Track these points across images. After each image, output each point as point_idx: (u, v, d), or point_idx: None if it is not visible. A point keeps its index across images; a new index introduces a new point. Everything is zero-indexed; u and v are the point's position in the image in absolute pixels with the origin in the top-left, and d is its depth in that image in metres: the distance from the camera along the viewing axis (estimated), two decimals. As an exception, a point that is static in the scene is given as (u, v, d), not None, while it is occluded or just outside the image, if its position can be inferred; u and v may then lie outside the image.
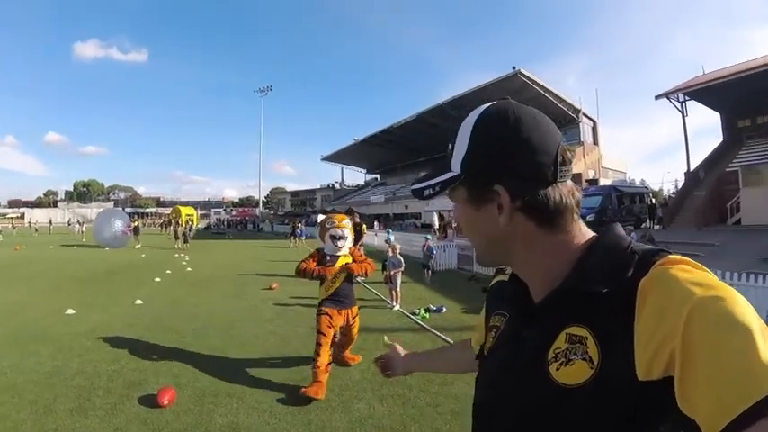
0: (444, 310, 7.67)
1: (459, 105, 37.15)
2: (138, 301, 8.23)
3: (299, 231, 24.38)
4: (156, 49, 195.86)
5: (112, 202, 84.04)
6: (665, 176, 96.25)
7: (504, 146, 0.67)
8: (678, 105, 24.14)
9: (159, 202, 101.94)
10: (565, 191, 0.67)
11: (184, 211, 58.21)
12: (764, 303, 6.46)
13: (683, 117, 24.34)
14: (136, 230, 23.59)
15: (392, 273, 7.98)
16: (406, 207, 42.55)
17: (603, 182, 31.03)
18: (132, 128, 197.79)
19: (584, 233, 0.70)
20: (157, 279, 11.20)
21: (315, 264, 4.47)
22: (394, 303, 7.98)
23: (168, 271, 12.80)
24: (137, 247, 22.15)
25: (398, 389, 4.18)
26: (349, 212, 33.58)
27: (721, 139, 25.12)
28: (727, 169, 20.02)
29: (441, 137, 46.02)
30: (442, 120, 41.17)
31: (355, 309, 4.63)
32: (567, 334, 0.63)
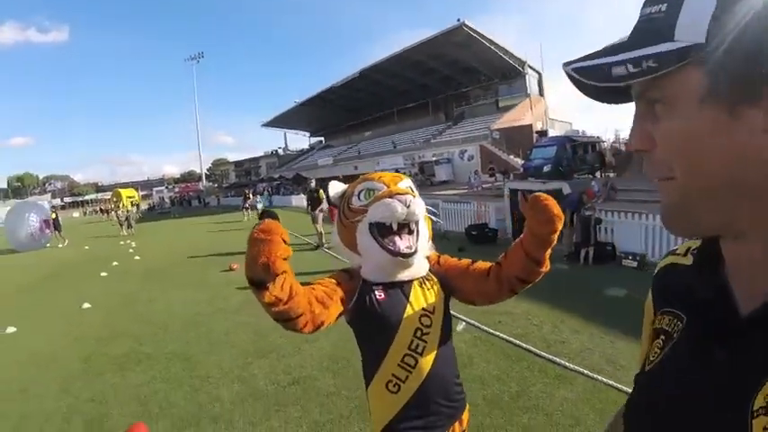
0: None
1: (401, 60, 36.13)
2: (86, 305, 7.10)
3: (252, 202, 22.58)
4: (77, 25, 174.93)
5: (49, 194, 77.27)
6: (607, 126, 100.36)
7: None
8: None
9: (98, 188, 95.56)
10: None
11: (125, 193, 54.57)
12: None
13: None
14: (56, 225, 18.03)
15: None
16: (356, 168, 41.48)
17: (552, 133, 31.50)
18: (60, 113, 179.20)
19: None
20: (104, 274, 10.01)
21: (338, 312, 1.40)
22: None
23: (115, 263, 11.47)
24: (60, 246, 17.35)
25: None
26: (298, 179, 32.50)
27: None
28: None
29: (384, 94, 45.16)
30: (384, 76, 39.99)
31: (466, 417, 1.57)
32: None
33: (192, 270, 9.50)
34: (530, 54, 35.45)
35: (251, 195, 22.88)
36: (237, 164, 76.96)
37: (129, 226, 20.25)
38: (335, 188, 1.67)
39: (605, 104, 0.52)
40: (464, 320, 4.71)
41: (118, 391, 3.88)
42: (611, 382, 3.34)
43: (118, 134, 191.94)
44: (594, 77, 0.47)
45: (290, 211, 25.14)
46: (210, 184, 76.15)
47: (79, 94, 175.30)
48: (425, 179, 29.36)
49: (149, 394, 3.75)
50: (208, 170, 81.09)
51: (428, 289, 1.48)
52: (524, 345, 4.11)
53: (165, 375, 4.10)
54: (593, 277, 6.59)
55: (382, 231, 1.41)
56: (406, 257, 1.39)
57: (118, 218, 21.37)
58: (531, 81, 36.92)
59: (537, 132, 30.88)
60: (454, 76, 39.60)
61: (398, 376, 1.38)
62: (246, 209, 21.56)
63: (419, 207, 1.45)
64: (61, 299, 7.96)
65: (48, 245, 17.49)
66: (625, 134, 41.69)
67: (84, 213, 47.27)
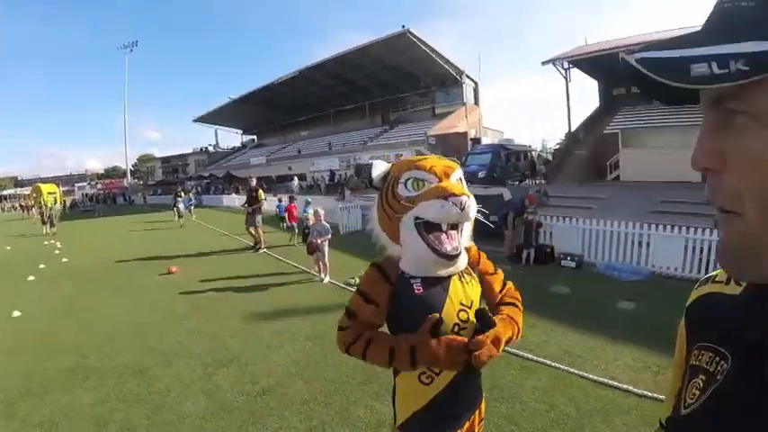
0: None
1: (343, 62, 36.03)
2: (16, 313, 6.26)
3: (186, 201, 21.05)
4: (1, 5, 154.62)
5: None
6: (535, 136, 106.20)
7: None
8: (563, 72, 26.47)
9: (17, 182, 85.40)
10: None
11: (45, 188, 49.15)
12: (671, 251, 7.05)
13: (567, 82, 26.89)
14: None
15: (319, 241, 7.09)
16: (290, 168, 40.69)
17: (485, 140, 32.85)
18: None
19: None
20: (31, 278, 8.90)
21: (373, 313, 1.45)
22: (322, 276, 7.26)
23: (42, 265, 10.26)
24: None
25: None
26: (229, 178, 31.17)
27: (598, 105, 28.07)
28: (606, 131, 22.85)
29: (322, 95, 44.75)
30: (324, 77, 39.64)
31: (483, 407, 1.61)
32: None
33: (128, 273, 8.72)
34: (467, 63, 36.79)
35: (182, 194, 21.49)
36: (164, 160, 72.34)
37: (52, 225, 18.27)
38: (378, 168, 1.52)
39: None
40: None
41: (70, 412, 3.38)
42: (572, 370, 3.65)
43: (40, 125, 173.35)
44: (669, 74, 0.37)
45: (222, 212, 24.39)
46: (135, 180, 70.98)
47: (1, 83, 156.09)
48: (361, 181, 29.40)
49: (106, 415, 3.31)
50: (133, 166, 75.41)
51: (467, 283, 1.45)
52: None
53: (120, 392, 3.67)
54: (538, 276, 6.91)
55: (428, 227, 1.35)
56: (451, 259, 1.36)
57: (41, 215, 19.32)
58: (468, 90, 38.23)
59: (472, 140, 32.04)
60: (393, 81, 40.07)
61: (433, 370, 1.37)
62: (177, 208, 20.24)
63: (473, 209, 1.40)
64: None
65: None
66: (551, 144, 44.63)
67: (2, 210, 42.03)
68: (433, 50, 33.32)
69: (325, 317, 5.25)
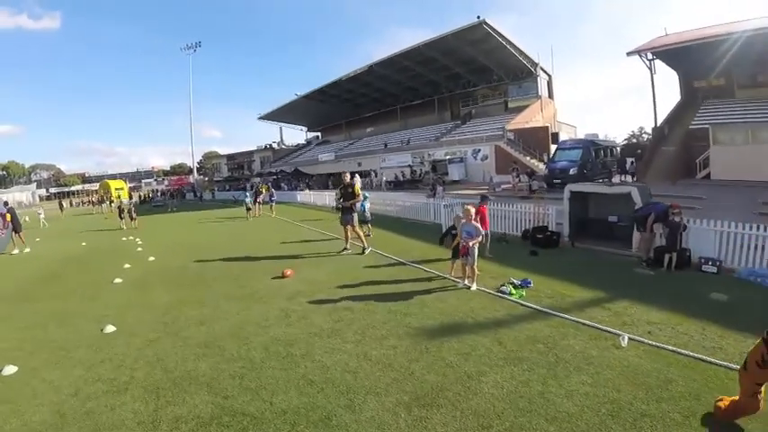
0: (531, 283, 6.26)
1: (413, 56, 35.13)
2: (110, 328, 5.28)
3: (267, 196, 20.56)
4: (69, 11, 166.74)
5: (35, 184, 74.02)
6: (598, 130, 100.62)
7: None
8: (647, 63, 24.88)
9: (85, 179, 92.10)
10: None
11: (113, 184, 52.39)
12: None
13: (652, 75, 25.18)
14: (15, 225, 13.46)
15: (470, 244, 6.23)
16: (359, 164, 40.35)
17: (562, 136, 30.96)
18: (49, 101, 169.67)
19: None
20: (118, 280, 8.02)
21: None
22: (467, 282, 6.39)
23: (127, 265, 9.46)
24: (14, 252, 13.00)
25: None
26: (297, 174, 31.24)
27: (679, 98, 26.42)
28: (692, 126, 21.59)
29: (390, 90, 44.07)
30: (393, 71, 38.92)
31: None
32: None
33: (233, 277, 7.79)
34: (540, 55, 34.89)
35: (263, 189, 21.14)
36: (229, 157, 74.80)
37: (132, 218, 18.32)
38: None
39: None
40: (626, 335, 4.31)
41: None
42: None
43: (105, 124, 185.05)
44: None
45: (298, 207, 23.91)
46: (201, 176, 74.05)
47: (68, 82, 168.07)
48: (438, 177, 28.33)
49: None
50: (198, 163, 78.83)
51: None
52: (714, 360, 3.75)
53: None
54: (689, 282, 6.38)
55: None
56: None
57: (119, 210, 19.43)
58: (542, 83, 36.33)
59: (553, 134, 30.30)
60: (464, 74, 38.73)
61: None
62: (258, 203, 19.93)
63: None
64: (71, 317, 5.97)
65: (5, 249, 13.24)
66: (619, 139, 41.92)
67: (69, 205, 44.28)
68: (509, 42, 31.79)
69: (507, 333, 4.51)
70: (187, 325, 5.33)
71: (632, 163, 22.54)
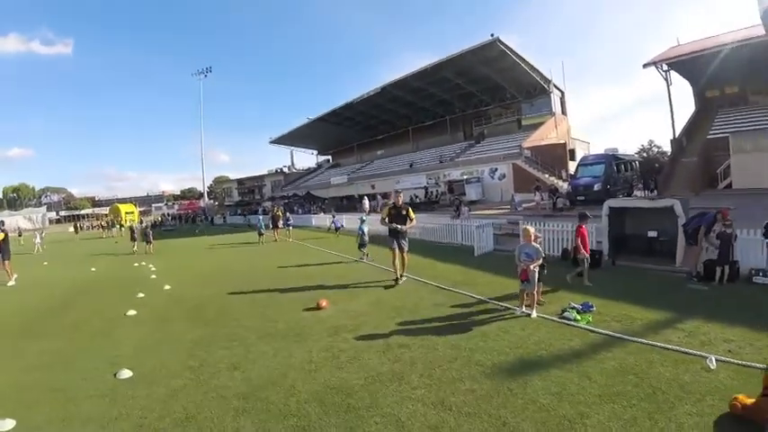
0: (593, 307, 5.65)
1: (426, 76, 34.91)
2: (125, 373, 4.50)
3: (285, 220, 20.10)
4: (82, 39, 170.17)
5: (44, 206, 74.33)
6: (616, 145, 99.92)
7: None
8: (663, 74, 24.57)
9: (95, 202, 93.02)
10: None
11: (123, 208, 52.50)
12: None
13: (668, 85, 24.80)
14: (3, 251, 11.50)
15: (531, 267, 5.58)
16: (373, 187, 39.81)
17: (578, 153, 30.41)
18: (60, 125, 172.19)
19: None
20: (131, 312, 7.24)
21: None
22: (524, 309, 5.72)
23: (140, 294, 8.74)
24: (10, 284, 11.16)
25: None
26: (310, 198, 30.94)
27: (694, 108, 26.19)
28: (710, 135, 21.29)
29: (402, 112, 43.87)
30: (406, 93, 38.75)
31: None
32: None
33: (259, 307, 7.03)
34: (552, 72, 34.51)
35: (280, 213, 20.40)
36: (240, 182, 74.88)
37: (149, 242, 17.69)
38: None
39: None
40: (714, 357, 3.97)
41: None
42: None
43: (115, 149, 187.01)
44: None
45: (313, 231, 23.18)
46: (211, 201, 74.03)
47: (80, 107, 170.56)
48: (455, 198, 27.60)
49: None
50: (209, 187, 78.87)
51: None
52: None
53: None
54: (749, 295, 6.09)
55: None
56: None
57: (132, 232, 18.94)
58: (555, 99, 35.88)
59: (570, 151, 29.72)
60: (477, 93, 38.43)
61: None
62: (277, 228, 19.21)
63: None
64: (78, 359, 5.16)
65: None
66: (631, 152, 41.07)
67: (78, 228, 43.49)
68: (522, 59, 31.50)
69: (591, 365, 4.00)
70: (218, 370, 4.53)
71: (653, 178, 21.96)
